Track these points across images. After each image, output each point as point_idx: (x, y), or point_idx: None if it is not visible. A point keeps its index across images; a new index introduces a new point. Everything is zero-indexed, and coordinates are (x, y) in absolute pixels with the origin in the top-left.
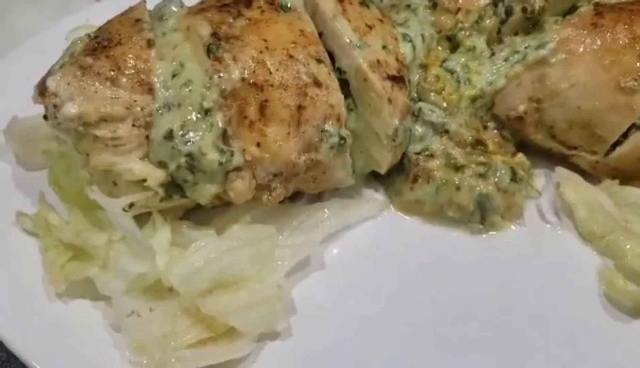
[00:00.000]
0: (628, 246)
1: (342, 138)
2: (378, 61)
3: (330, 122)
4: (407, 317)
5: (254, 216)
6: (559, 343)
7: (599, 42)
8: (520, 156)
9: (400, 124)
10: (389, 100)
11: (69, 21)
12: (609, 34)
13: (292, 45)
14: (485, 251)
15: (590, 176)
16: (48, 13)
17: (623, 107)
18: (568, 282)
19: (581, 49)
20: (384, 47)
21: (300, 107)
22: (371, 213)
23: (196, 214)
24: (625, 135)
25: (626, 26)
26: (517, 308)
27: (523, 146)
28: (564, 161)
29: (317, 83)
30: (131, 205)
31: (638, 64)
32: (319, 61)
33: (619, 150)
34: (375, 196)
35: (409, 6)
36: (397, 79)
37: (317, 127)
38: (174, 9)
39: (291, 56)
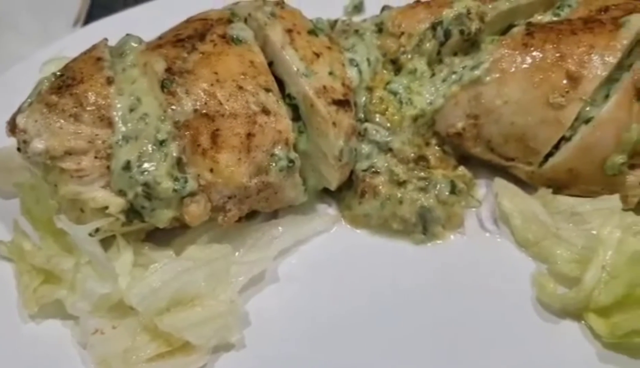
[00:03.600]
0: (558, 252)
1: (290, 160)
2: (324, 87)
3: (279, 147)
4: (357, 326)
5: (211, 236)
6: (494, 343)
7: (529, 61)
8: (462, 169)
9: (345, 145)
10: (334, 123)
11: (43, 53)
12: (538, 53)
13: (242, 76)
14: (428, 259)
15: (529, 184)
16: (30, 40)
17: (553, 122)
18: (505, 286)
19: (513, 68)
20: (330, 73)
21: (249, 135)
22: (323, 227)
23: (158, 236)
24: (556, 147)
25: (554, 45)
26: (458, 312)
27: (465, 158)
28: (504, 172)
29: (266, 111)
30: (97, 230)
31: (565, 81)
32: (268, 90)
33: (551, 161)
34: (328, 211)
35: (357, 31)
36: (343, 103)
37: (267, 152)
38: (134, 45)
39: (241, 87)
